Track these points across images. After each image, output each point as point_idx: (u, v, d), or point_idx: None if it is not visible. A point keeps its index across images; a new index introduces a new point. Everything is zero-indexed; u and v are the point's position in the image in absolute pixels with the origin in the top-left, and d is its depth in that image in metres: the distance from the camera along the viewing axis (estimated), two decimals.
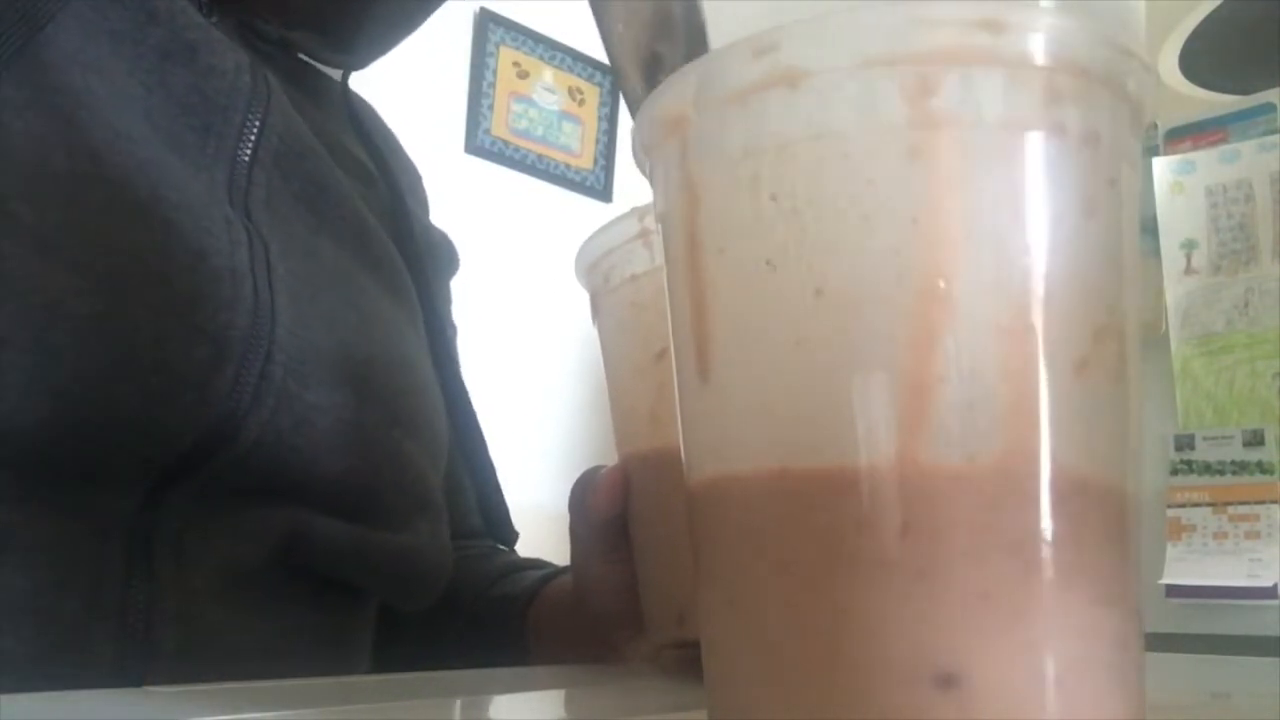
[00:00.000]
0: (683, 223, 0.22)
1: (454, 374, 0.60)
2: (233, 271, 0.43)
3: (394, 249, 0.57)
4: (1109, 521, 0.20)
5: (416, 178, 0.67)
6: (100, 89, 0.43)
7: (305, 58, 0.61)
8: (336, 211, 0.53)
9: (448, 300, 0.67)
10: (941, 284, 0.19)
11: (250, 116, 0.48)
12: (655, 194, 0.24)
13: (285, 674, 0.45)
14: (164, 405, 0.40)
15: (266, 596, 0.45)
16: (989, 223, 0.19)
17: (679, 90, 0.21)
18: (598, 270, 0.42)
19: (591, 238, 0.41)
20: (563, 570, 0.58)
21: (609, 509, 0.44)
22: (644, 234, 0.39)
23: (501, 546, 0.65)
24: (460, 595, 0.59)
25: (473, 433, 0.61)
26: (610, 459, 0.46)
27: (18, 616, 0.38)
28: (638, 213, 0.39)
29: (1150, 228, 1.50)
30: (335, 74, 0.64)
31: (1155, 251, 1.50)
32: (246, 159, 0.48)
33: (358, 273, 0.52)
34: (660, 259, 0.38)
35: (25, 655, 0.38)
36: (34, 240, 0.38)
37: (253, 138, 0.48)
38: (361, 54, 0.62)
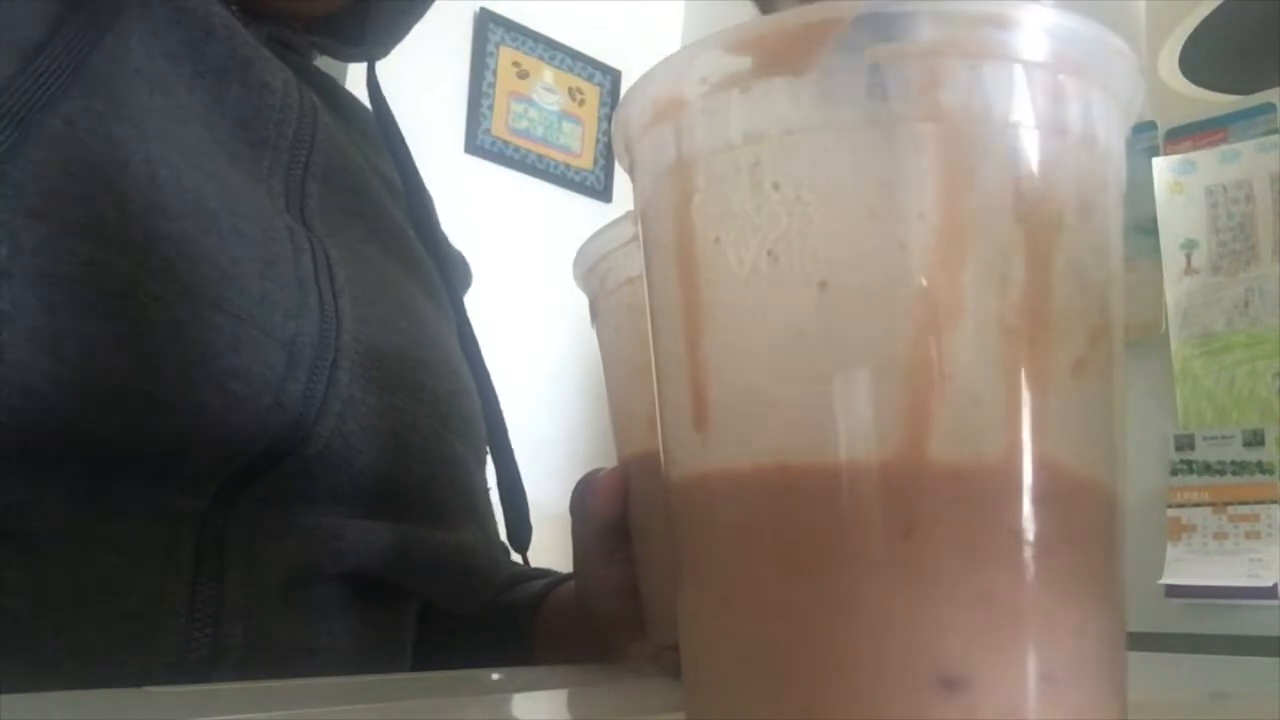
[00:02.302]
0: (673, 211, 0.21)
1: (486, 378, 0.61)
2: (300, 279, 0.44)
3: (429, 259, 0.59)
4: (1103, 522, 0.20)
5: (431, 198, 0.68)
6: (165, 104, 0.44)
7: (326, 59, 0.63)
8: (380, 223, 0.55)
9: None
10: (948, 280, 0.19)
11: (301, 131, 0.50)
12: (638, 182, 0.23)
13: (333, 675, 0.45)
14: (241, 410, 0.41)
15: (327, 600, 0.46)
16: (994, 220, 0.19)
17: (676, 72, 0.21)
18: (595, 273, 0.42)
19: (589, 241, 0.41)
20: (568, 577, 0.58)
21: (609, 512, 0.44)
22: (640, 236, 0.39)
23: (515, 554, 0.65)
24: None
25: (502, 437, 0.62)
26: (611, 459, 0.46)
27: (84, 611, 0.39)
28: (633, 215, 0.39)
29: (1150, 228, 1.50)
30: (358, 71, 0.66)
31: (1155, 251, 1.50)
32: (299, 173, 0.49)
33: (404, 279, 0.54)
34: None
35: (90, 651, 0.38)
36: (120, 245, 0.39)
37: (304, 152, 0.50)
38: (375, 45, 0.64)
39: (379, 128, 0.65)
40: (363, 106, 0.65)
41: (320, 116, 0.52)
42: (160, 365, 0.39)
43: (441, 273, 0.61)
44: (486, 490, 0.62)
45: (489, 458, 0.61)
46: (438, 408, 0.51)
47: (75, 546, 0.39)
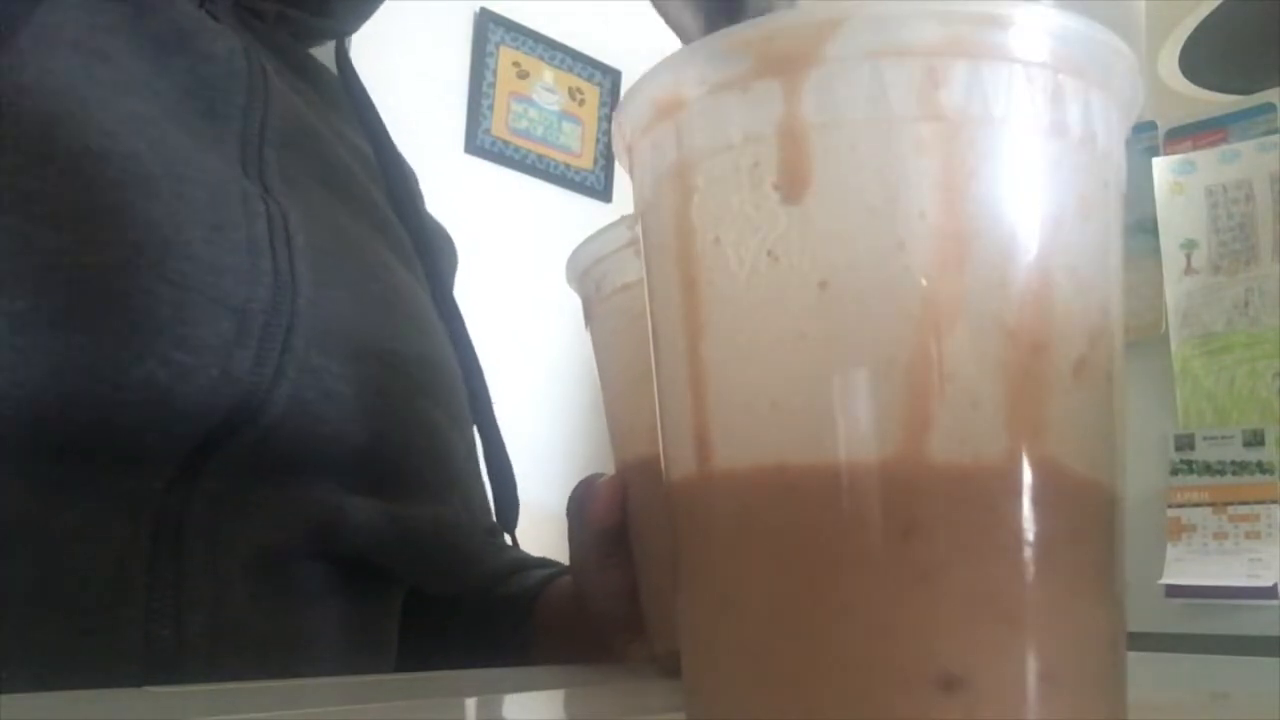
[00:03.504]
0: (673, 211, 0.21)
1: (470, 351, 0.60)
2: (251, 243, 0.43)
3: (402, 228, 0.58)
4: (1104, 521, 0.20)
5: (412, 171, 0.68)
6: (106, 74, 0.43)
7: (300, 42, 0.62)
8: (347, 188, 0.53)
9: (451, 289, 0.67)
10: (948, 280, 0.19)
11: (252, 99, 0.49)
12: (638, 183, 0.23)
13: (313, 669, 0.45)
14: (189, 381, 0.39)
15: (297, 585, 0.45)
16: (994, 220, 0.19)
17: (675, 72, 0.21)
18: (589, 278, 0.42)
19: (582, 245, 0.41)
20: (567, 570, 0.58)
21: (608, 519, 0.44)
22: (635, 242, 0.39)
23: (506, 538, 0.64)
24: (467, 593, 0.59)
25: (486, 411, 0.61)
26: (611, 459, 0.45)
27: (45, 605, 0.38)
28: (627, 221, 0.39)
29: (1150, 228, 1.50)
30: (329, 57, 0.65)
31: (1155, 251, 1.50)
32: (255, 139, 0.48)
33: (374, 244, 0.53)
34: None
35: (53, 644, 0.38)
36: (50, 216, 0.38)
37: (258, 119, 0.49)
38: (344, 18, 0.62)
39: (352, 104, 0.63)
40: (331, 74, 0.63)
41: (273, 82, 0.51)
42: (101, 339, 0.38)
43: (417, 243, 0.59)
44: (474, 462, 0.61)
45: (476, 435, 0.60)
46: (410, 374, 0.49)
47: (28, 538, 0.38)
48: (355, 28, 0.64)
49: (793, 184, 0.19)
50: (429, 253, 0.60)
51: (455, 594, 0.56)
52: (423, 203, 0.67)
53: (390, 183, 0.61)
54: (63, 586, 0.38)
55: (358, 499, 0.46)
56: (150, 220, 0.40)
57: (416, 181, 0.67)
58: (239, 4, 0.55)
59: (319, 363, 0.44)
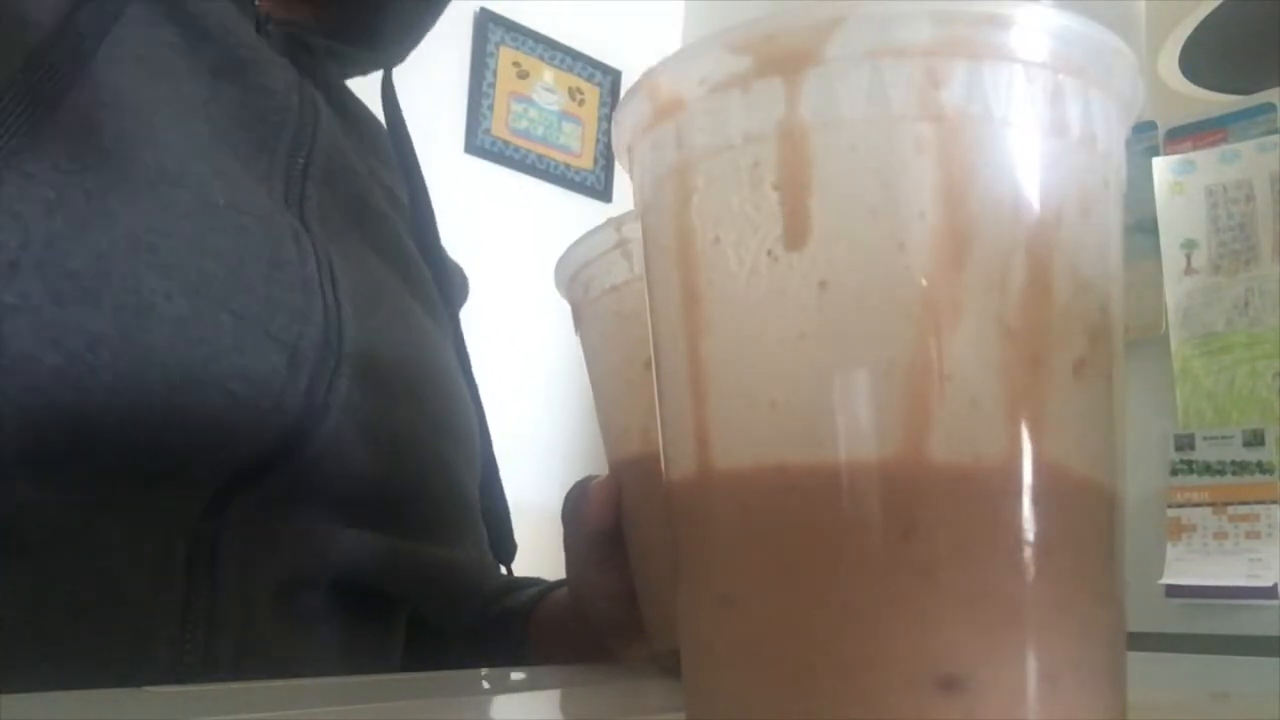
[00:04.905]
0: (673, 211, 0.21)
1: (474, 392, 0.61)
2: (305, 282, 0.44)
3: (427, 270, 0.59)
4: (1103, 521, 0.20)
5: (434, 213, 0.68)
6: (168, 93, 0.44)
7: (346, 71, 0.63)
8: (378, 230, 0.55)
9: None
10: (948, 280, 0.19)
11: (301, 133, 0.50)
12: (638, 183, 0.23)
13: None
14: (242, 411, 0.40)
15: (311, 609, 0.46)
16: (994, 220, 0.19)
17: (675, 72, 0.21)
18: (577, 282, 0.42)
19: (569, 249, 0.41)
20: (559, 583, 0.58)
21: (603, 521, 0.44)
22: (622, 244, 0.39)
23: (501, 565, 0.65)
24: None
25: (487, 451, 0.62)
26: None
27: (78, 617, 0.38)
28: (614, 223, 0.39)
29: (1150, 228, 1.50)
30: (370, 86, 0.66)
31: (1155, 251, 1.50)
32: (299, 175, 0.49)
33: (401, 289, 0.54)
34: (641, 269, 0.38)
35: (84, 657, 0.38)
36: (129, 239, 0.39)
37: (303, 155, 0.50)
38: (391, 50, 0.64)
39: (392, 138, 0.64)
40: (374, 117, 0.65)
41: (322, 119, 0.52)
42: (165, 363, 0.39)
43: (440, 287, 0.61)
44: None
45: None
46: (433, 416, 0.51)
47: (70, 551, 0.38)
48: (402, 58, 0.65)
49: (795, 232, 0.19)
50: (449, 294, 0.62)
51: (456, 626, 0.57)
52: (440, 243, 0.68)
53: (420, 229, 0.62)
54: (97, 601, 0.39)
55: (376, 535, 0.47)
56: (217, 250, 0.41)
57: (435, 221, 0.67)
58: (291, 37, 0.55)
59: (357, 401, 0.45)
